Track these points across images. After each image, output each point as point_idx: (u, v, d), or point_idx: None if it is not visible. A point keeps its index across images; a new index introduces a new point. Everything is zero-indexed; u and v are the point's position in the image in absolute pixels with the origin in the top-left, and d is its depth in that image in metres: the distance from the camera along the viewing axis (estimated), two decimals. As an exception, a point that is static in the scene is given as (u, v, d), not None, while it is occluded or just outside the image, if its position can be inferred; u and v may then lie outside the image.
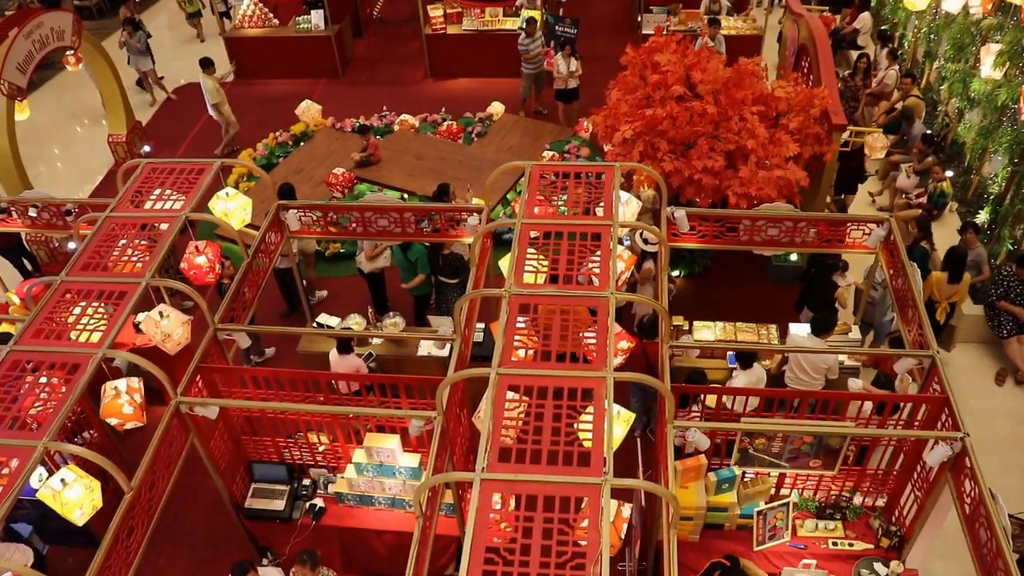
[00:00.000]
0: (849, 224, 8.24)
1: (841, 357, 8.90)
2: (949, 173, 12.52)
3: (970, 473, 6.18)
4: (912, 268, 7.80)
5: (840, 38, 16.39)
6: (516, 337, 6.21)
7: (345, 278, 12.16)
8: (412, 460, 7.82)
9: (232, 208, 8.48)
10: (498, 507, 5.41)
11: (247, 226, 8.91)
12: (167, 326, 7.37)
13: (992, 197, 11.70)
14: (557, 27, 15.83)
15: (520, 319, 6.35)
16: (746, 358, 8.22)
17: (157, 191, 8.37)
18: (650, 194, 10.65)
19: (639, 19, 17.86)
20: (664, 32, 15.06)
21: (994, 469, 9.57)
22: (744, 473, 7.47)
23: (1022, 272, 10.25)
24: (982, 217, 11.74)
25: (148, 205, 8.26)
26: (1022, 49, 10.60)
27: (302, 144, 14.91)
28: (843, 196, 12.42)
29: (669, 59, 10.09)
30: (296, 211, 9.05)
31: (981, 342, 11.09)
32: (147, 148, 15.28)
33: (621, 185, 7.64)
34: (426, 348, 9.66)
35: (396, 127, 15.31)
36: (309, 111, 15.48)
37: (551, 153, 14.05)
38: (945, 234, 12.03)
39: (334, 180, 13.33)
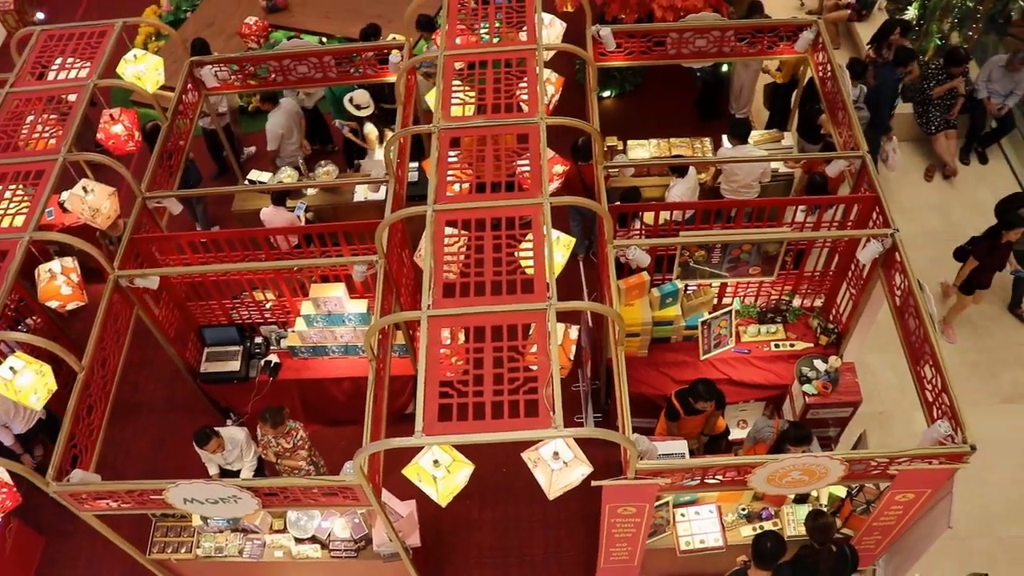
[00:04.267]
0: (778, 29, 8.10)
1: (776, 164, 8.97)
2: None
3: (900, 267, 6.39)
4: (841, 70, 7.76)
5: None
6: (449, 172, 6.13)
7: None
8: (360, 306, 7.85)
9: (143, 71, 8.07)
10: (448, 342, 5.48)
11: (162, 88, 8.51)
12: (93, 200, 7.11)
13: (919, -10, 11.55)
14: None
15: (452, 153, 6.25)
16: (681, 167, 8.25)
17: (59, 60, 7.90)
18: None
19: None
20: None
21: (923, 262, 9.85)
22: (686, 286, 7.64)
23: (951, 68, 10.27)
24: (911, 13, 11.61)
25: (51, 76, 7.81)
26: None
27: (209, -6, 14.08)
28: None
29: None
30: (211, 67, 8.64)
31: (910, 139, 11.22)
32: (41, 15, 14.32)
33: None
34: (361, 193, 9.53)
35: (306, -33, 14.48)
36: (211, -42, 14.52)
37: (472, -19, 13.48)
38: (873, 32, 11.93)
39: (247, 31, 12.64)
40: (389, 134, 9.95)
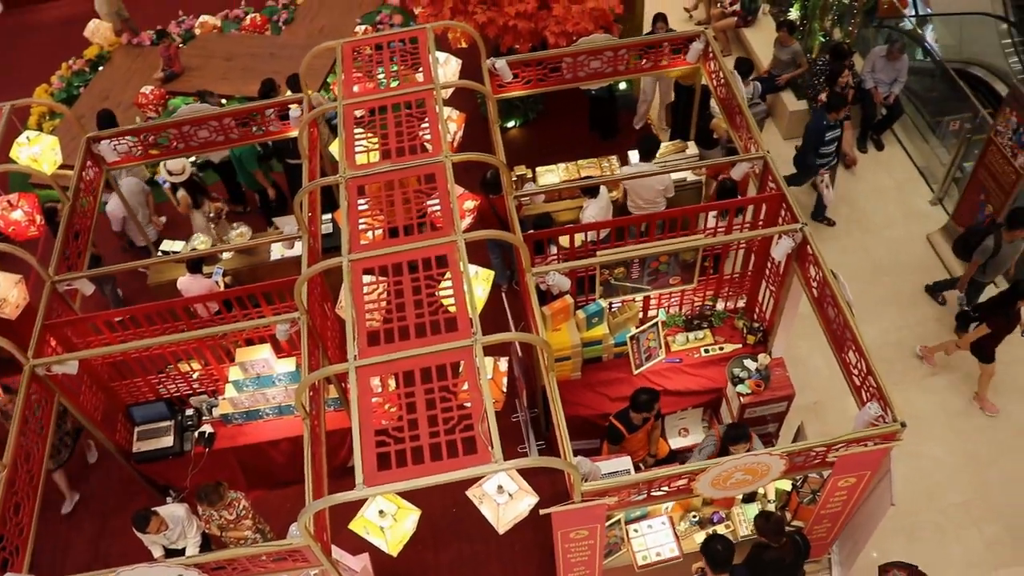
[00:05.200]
0: (666, 43, 8.30)
1: (685, 174, 9.15)
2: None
3: (813, 259, 6.56)
4: (733, 76, 7.98)
5: None
6: (361, 220, 6.10)
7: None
8: (288, 365, 7.76)
9: (39, 152, 7.88)
10: (379, 390, 5.44)
11: (61, 167, 8.33)
12: (-1, 291, 6.92)
13: (799, -7, 11.96)
14: None
15: (361, 201, 6.24)
16: (591, 188, 8.36)
17: (-55, 149, 7.71)
18: None
19: None
20: None
21: (835, 251, 10.25)
22: (610, 304, 7.72)
23: (835, 64, 10.63)
24: (793, 14, 12.02)
25: (-61, 166, 7.61)
26: None
27: (101, 68, 13.87)
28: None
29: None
30: (109, 141, 8.49)
31: (809, 133, 11.58)
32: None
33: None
34: (278, 251, 9.44)
35: (198, 31, 14.39)
36: (99, 31, 14.31)
37: (364, 27, 13.55)
38: (762, 37, 12.34)
39: (144, 100, 12.54)
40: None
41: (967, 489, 8.41)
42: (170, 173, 9.80)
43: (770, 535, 6.27)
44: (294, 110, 8.41)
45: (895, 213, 10.79)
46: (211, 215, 9.88)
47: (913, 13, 13.13)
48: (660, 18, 10.35)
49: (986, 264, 8.71)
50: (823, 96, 10.36)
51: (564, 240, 7.29)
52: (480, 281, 5.95)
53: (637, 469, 7.15)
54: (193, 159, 9.80)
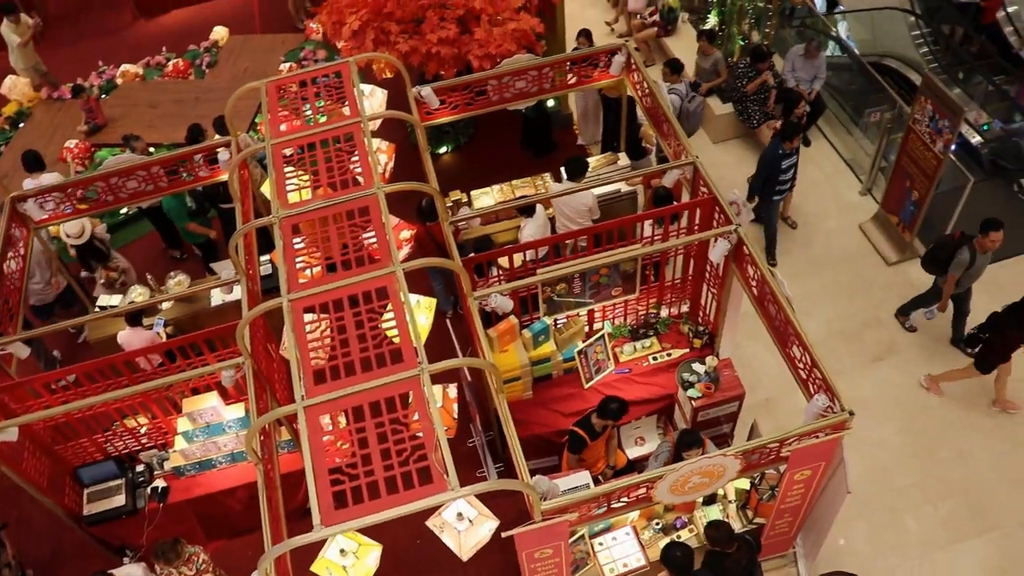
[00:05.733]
0: (588, 59, 8.41)
1: (618, 185, 9.24)
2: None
3: (750, 259, 6.67)
4: (657, 86, 8.10)
5: None
6: (298, 258, 6.06)
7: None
8: (237, 411, 7.65)
9: (-39, 215, 7.73)
10: (330, 428, 5.40)
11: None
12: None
13: (715, 0, 12.19)
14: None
15: (296, 240, 6.20)
16: (527, 207, 8.40)
17: None
18: None
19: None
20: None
21: (776, 249, 10.41)
22: (555, 320, 7.76)
23: (757, 64, 10.87)
24: (712, 21, 12.27)
25: None
26: None
27: (22, 125, 13.58)
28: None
29: (376, -63, 9.76)
30: (34, 199, 8.33)
31: (737, 137, 11.82)
32: None
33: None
34: (218, 297, 9.31)
35: (119, 80, 14.18)
36: (17, 87, 14.01)
37: (288, 64, 13.50)
38: (683, 44, 12.56)
39: (70, 155, 12.33)
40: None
41: (920, 469, 8.58)
42: (67, 235, 9.49)
43: (722, 543, 6.33)
44: (222, 153, 8.34)
45: (827, 206, 11.02)
46: (102, 282, 9.69)
47: (826, 10, 13.50)
48: (583, 33, 10.50)
49: (961, 276, 8.63)
50: (777, 124, 10.42)
51: (505, 261, 7.32)
52: (422, 310, 5.95)
53: (597, 482, 7.17)
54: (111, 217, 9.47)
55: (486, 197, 9.54)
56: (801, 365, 6.28)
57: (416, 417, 5.06)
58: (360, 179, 6.57)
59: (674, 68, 10.26)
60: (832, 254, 10.48)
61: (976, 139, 11.88)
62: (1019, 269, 10.21)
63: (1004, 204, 10.95)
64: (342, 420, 6.02)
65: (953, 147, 9.43)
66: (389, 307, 5.58)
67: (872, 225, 10.66)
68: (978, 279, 8.80)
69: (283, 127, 7.18)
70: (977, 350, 8.64)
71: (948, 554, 8.01)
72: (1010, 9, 14.10)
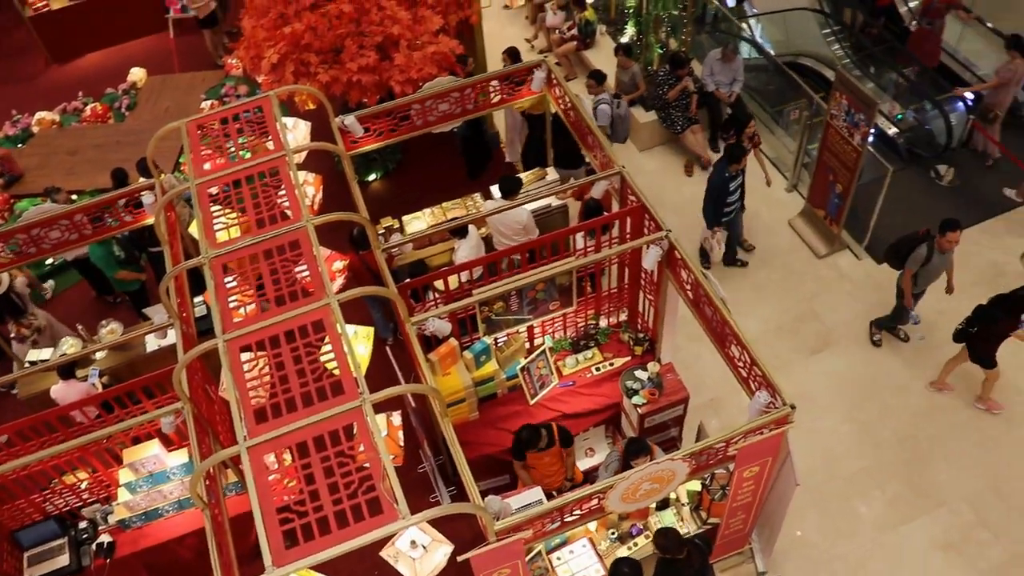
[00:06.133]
0: (509, 77, 8.46)
1: (549, 200, 9.30)
2: (589, 0, 13.13)
3: (682, 263, 6.76)
4: (579, 100, 8.19)
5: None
6: (231, 298, 5.98)
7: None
8: (180, 457, 7.50)
9: None
10: (275, 466, 5.32)
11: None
12: None
13: (631, 10, 12.34)
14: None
15: (228, 279, 6.12)
16: (460, 228, 8.42)
17: None
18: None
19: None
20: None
21: (707, 251, 10.57)
22: (496, 339, 7.76)
23: (677, 71, 11.05)
24: (629, 31, 12.43)
25: None
26: None
27: (-63, 182, 13.22)
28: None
29: (290, -31, 9.72)
30: (-48, 255, 8.10)
31: (662, 143, 12.00)
32: None
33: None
34: (153, 342, 9.14)
35: (35, 129, 13.86)
36: (-72, 144, 13.65)
37: (210, 102, 13.36)
38: (604, 56, 12.70)
39: (-12, 208, 12.02)
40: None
41: (864, 454, 8.76)
42: None
43: (673, 550, 6.36)
44: (147, 196, 8.19)
45: (756, 204, 11.20)
46: (13, 336, 9.46)
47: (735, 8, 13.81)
48: (508, 52, 10.58)
49: (917, 273, 8.69)
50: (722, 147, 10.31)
51: (441, 284, 7.31)
52: (360, 339, 5.91)
53: (550, 497, 7.16)
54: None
55: (418, 221, 9.53)
56: (741, 364, 6.37)
57: (362, 448, 5.02)
58: (289, 213, 6.52)
59: (598, 79, 10.40)
60: (764, 252, 10.68)
61: (892, 130, 12.21)
62: (942, 252, 10.50)
63: (923, 190, 11.29)
64: (287, 457, 5.91)
65: (870, 139, 9.69)
66: (327, 339, 5.53)
67: (800, 220, 10.89)
68: (935, 280, 8.88)
69: (207, 166, 7.08)
70: (966, 344, 8.65)
71: (898, 535, 8.19)
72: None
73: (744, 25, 13.67)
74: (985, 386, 8.89)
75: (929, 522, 8.26)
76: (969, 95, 12.02)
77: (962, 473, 8.57)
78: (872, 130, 9.55)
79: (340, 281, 6.37)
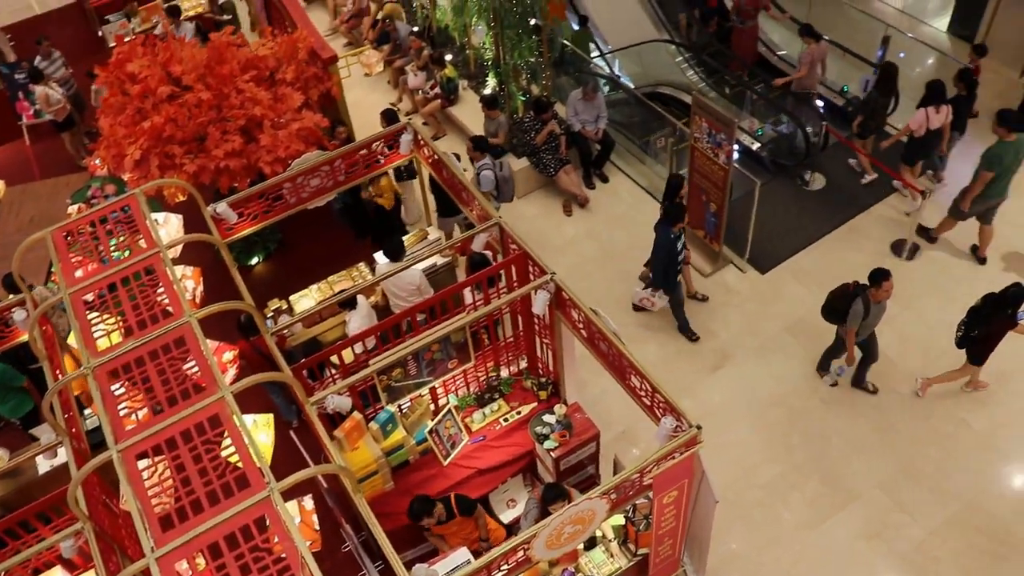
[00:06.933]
0: (377, 143, 8.48)
1: (434, 259, 9.33)
2: (448, 57, 13.36)
3: (571, 303, 6.84)
4: (447, 157, 8.27)
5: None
6: (120, 405, 5.78)
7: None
8: (89, 579, 7.14)
9: None
10: (190, 573, 5.13)
11: None
12: None
13: (490, 62, 12.59)
14: (16, 75, 14.34)
15: (115, 387, 5.91)
16: (348, 300, 8.36)
17: None
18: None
19: (100, 34, 16.72)
20: (126, 38, 14.20)
21: (600, 287, 10.76)
22: (399, 406, 7.70)
23: (541, 115, 11.30)
24: (491, 82, 12.67)
25: None
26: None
27: None
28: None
29: (142, 64, 9.59)
30: None
31: (539, 188, 12.22)
32: None
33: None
34: (45, 464, 8.72)
35: None
36: None
37: (77, 206, 12.94)
38: (469, 110, 12.91)
39: None
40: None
41: (778, 459, 8.99)
42: None
43: None
44: (18, 313, 7.86)
45: (637, 234, 11.47)
46: None
47: (597, 53, 14.25)
48: (383, 114, 10.64)
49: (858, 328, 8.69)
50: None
51: (337, 358, 7.23)
52: (261, 428, 5.79)
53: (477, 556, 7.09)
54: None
55: (306, 299, 9.43)
56: (643, 393, 6.45)
57: (276, 539, 4.89)
58: (171, 309, 6.36)
59: (478, 146, 10.41)
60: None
61: (755, 144, 12.75)
62: (818, 255, 10.98)
63: (793, 197, 11.80)
64: (200, 561, 5.70)
65: (736, 156, 10.09)
66: (226, 433, 5.39)
67: (681, 244, 11.19)
68: (875, 326, 8.91)
69: (79, 272, 6.87)
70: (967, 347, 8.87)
71: (822, 532, 8.42)
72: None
73: (602, 62, 14.10)
74: (951, 375, 9.19)
75: (849, 515, 8.51)
76: (818, 103, 12.73)
77: (872, 462, 8.88)
78: (736, 147, 9.95)
79: (233, 372, 6.23)
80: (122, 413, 5.74)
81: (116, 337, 6.31)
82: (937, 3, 15.28)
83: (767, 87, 13.48)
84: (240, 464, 5.25)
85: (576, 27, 14.03)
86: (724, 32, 15.06)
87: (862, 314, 8.47)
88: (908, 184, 10.96)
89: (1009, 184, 10.00)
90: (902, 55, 11.83)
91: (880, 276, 8.34)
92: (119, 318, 6.42)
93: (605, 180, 12.29)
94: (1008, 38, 13.13)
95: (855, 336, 8.78)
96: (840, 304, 8.69)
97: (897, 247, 10.89)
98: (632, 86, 14.02)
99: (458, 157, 10.57)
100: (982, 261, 10.64)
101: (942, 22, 14.63)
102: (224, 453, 5.33)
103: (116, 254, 7.13)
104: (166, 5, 14.73)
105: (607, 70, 13.96)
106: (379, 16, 14.69)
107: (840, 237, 11.20)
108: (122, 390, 5.93)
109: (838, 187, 11.89)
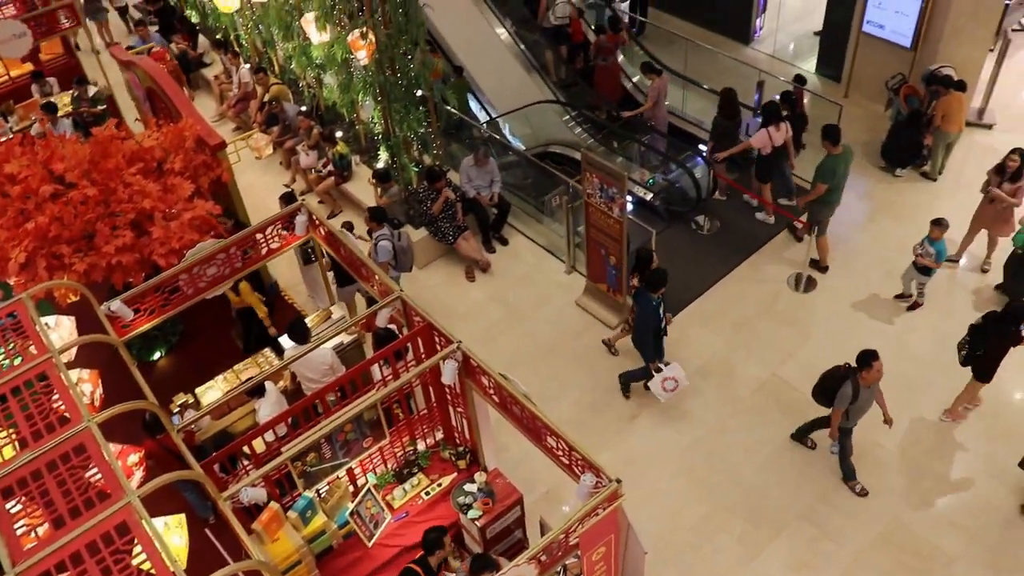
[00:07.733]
0: (273, 226, 8.41)
1: (340, 338, 9.22)
2: (339, 134, 13.38)
3: (480, 369, 6.84)
4: (344, 235, 8.25)
5: (188, 64, 16.64)
6: (17, 524, 5.51)
7: None
8: None
9: None
10: None
11: None
12: None
13: (380, 136, 12.64)
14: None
15: (11, 503, 5.63)
16: (256, 388, 8.21)
17: None
18: None
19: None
20: (3, 138, 13.79)
21: (508, 349, 10.80)
22: (318, 491, 7.53)
23: (435, 184, 11.39)
24: (383, 156, 12.71)
25: None
26: (329, 9, 11.45)
27: None
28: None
29: (21, 164, 9.31)
30: None
31: (440, 256, 12.27)
32: None
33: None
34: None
35: None
36: None
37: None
38: (364, 187, 12.91)
39: None
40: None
41: (703, 500, 9.09)
42: None
43: None
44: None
45: (541, 293, 11.62)
46: None
47: (486, 118, 14.51)
48: (283, 197, 10.55)
49: (848, 410, 8.51)
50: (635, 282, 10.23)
51: (249, 449, 7.04)
52: (173, 530, 5.58)
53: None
54: None
55: (212, 391, 9.18)
56: (560, 452, 6.45)
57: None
58: (69, 415, 6.12)
59: (374, 216, 10.40)
60: (560, 336, 11.01)
61: (648, 195, 13.07)
62: (720, 296, 11.29)
63: (689, 242, 12.14)
64: None
65: (629, 207, 10.32)
66: (135, 540, 5.18)
67: (586, 298, 11.36)
68: (866, 411, 8.69)
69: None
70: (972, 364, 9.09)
71: (754, 569, 8.51)
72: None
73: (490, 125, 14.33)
74: (960, 398, 9.44)
75: (778, 548, 8.64)
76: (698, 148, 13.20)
77: (792, 493, 9.06)
78: (629, 199, 10.19)
79: (140, 474, 6.00)
80: (19, 532, 5.49)
81: (9, 451, 6.05)
82: (805, 46, 16.24)
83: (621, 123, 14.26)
84: (153, 572, 5.05)
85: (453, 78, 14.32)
86: (588, 70, 15.95)
87: (850, 397, 8.33)
88: (764, 201, 12.18)
89: (842, 193, 11.00)
90: (776, 97, 12.39)
91: (869, 357, 8.19)
92: (11, 430, 6.16)
93: (505, 243, 12.42)
94: (870, 75, 13.97)
95: (847, 421, 8.67)
96: (831, 385, 8.58)
97: (794, 281, 11.29)
98: (523, 147, 14.27)
99: (351, 227, 10.57)
100: (824, 270, 11.47)
101: (810, 63, 15.48)
102: (135, 561, 5.12)
103: (5, 363, 6.87)
104: (43, 103, 14.39)
105: (496, 135, 14.15)
106: (266, 99, 14.63)
107: (740, 276, 11.55)
108: (19, 507, 5.67)
109: (732, 228, 12.31)
